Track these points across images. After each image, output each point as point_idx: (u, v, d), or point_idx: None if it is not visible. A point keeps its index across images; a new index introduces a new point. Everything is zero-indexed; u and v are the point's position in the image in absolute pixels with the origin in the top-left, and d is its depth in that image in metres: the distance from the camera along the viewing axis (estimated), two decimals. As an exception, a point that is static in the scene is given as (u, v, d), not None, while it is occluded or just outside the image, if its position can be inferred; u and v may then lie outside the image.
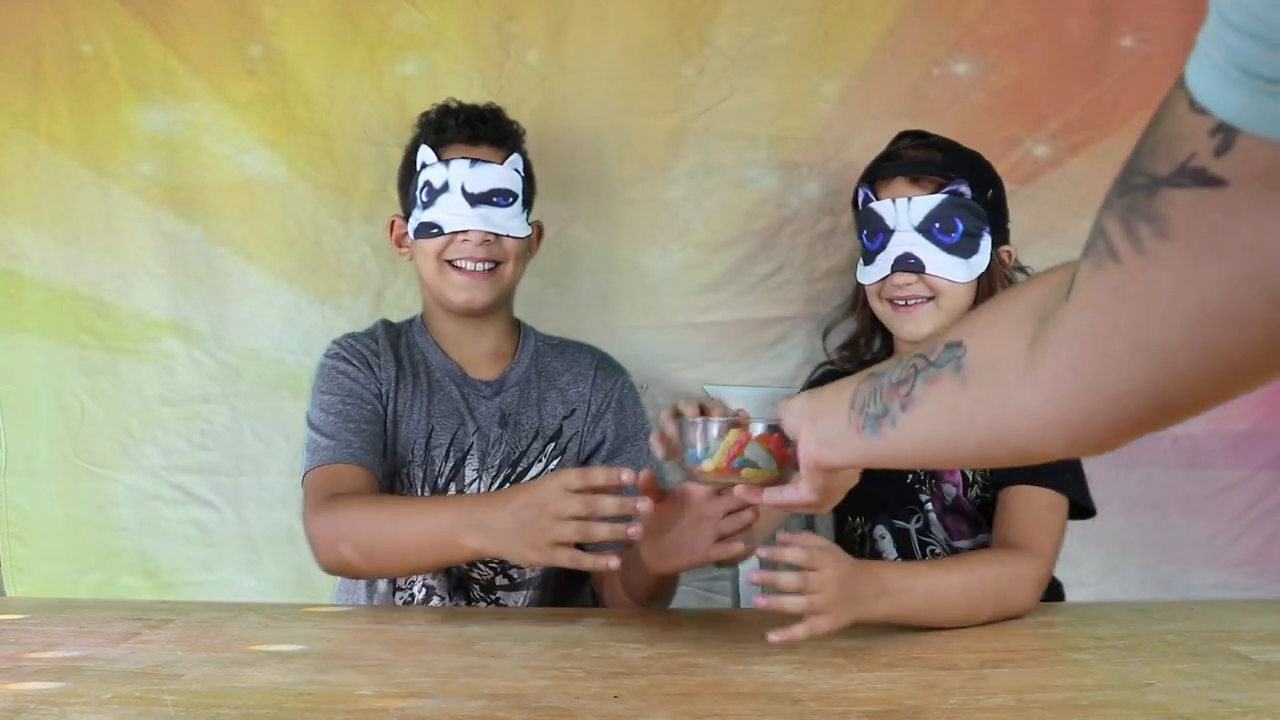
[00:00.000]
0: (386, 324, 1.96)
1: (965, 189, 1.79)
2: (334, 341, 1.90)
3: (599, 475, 1.39)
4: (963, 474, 1.79)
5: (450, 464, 1.86)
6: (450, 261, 1.84)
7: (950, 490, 1.80)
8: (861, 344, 2.01)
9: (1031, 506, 1.64)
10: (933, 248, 1.77)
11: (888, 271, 1.80)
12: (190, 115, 2.23)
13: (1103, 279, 0.70)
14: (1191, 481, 2.20)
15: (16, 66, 2.22)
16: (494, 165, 1.85)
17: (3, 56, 2.22)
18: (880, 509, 1.85)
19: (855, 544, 1.86)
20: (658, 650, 1.33)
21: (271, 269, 2.24)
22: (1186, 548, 2.23)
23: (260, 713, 1.10)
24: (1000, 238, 1.85)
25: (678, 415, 1.38)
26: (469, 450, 1.86)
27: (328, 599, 1.95)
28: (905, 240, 1.78)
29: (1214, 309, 0.63)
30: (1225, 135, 0.58)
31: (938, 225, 1.77)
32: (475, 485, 1.85)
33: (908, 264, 1.78)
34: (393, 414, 1.85)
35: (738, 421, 1.30)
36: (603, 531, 1.38)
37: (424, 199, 1.84)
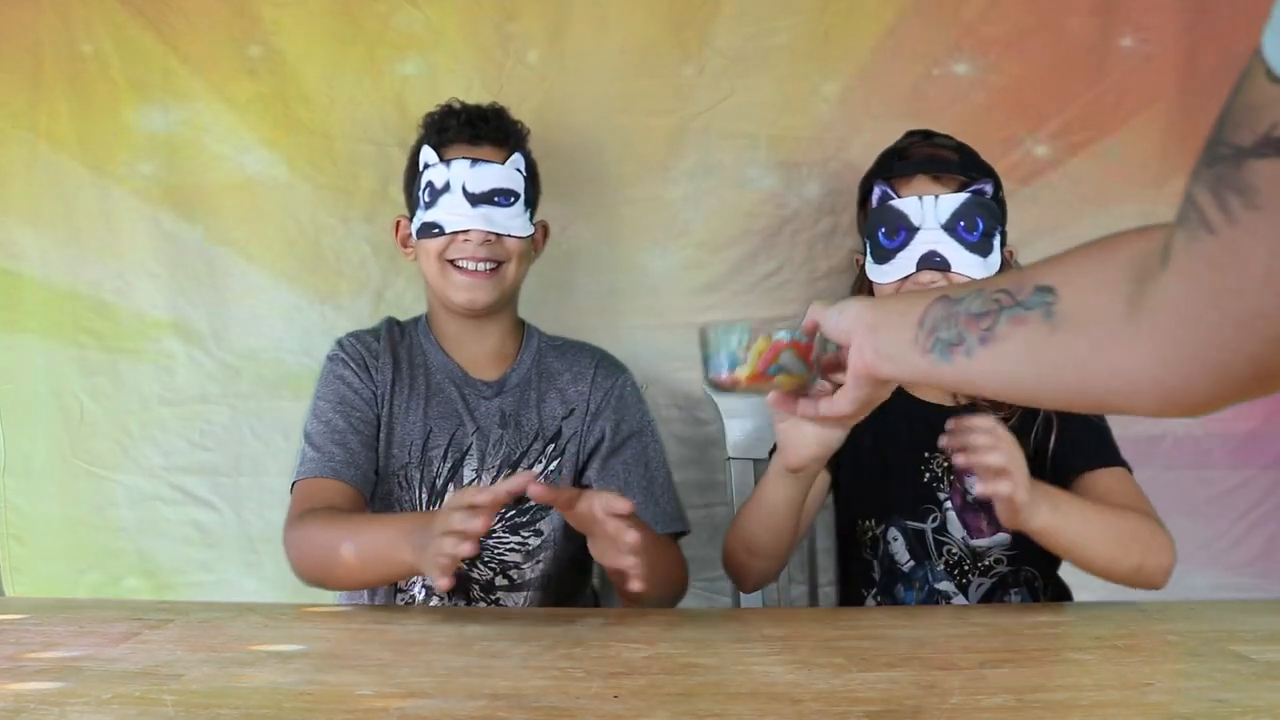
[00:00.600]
0: (392, 323, 1.96)
1: (987, 188, 1.80)
2: (337, 340, 1.91)
3: (482, 495, 1.40)
4: None
5: (448, 465, 1.86)
6: (452, 261, 1.84)
7: (973, 483, 1.78)
8: None
9: (1115, 487, 1.69)
10: (958, 246, 1.76)
11: (912, 269, 1.78)
12: (190, 115, 2.23)
13: (1198, 250, 0.70)
14: (1194, 482, 2.20)
15: (16, 66, 2.22)
16: (495, 165, 1.84)
17: (3, 56, 2.22)
18: (894, 511, 1.83)
19: (867, 546, 1.84)
20: (658, 650, 1.32)
21: (271, 269, 2.24)
22: (1189, 549, 2.21)
23: (260, 713, 1.09)
24: (1004, 238, 1.85)
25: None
26: (468, 451, 1.86)
27: (328, 599, 1.94)
28: (931, 238, 1.77)
29: None
30: None
31: (963, 224, 1.76)
32: (474, 485, 1.85)
33: (934, 262, 1.76)
34: (388, 416, 1.86)
35: (760, 329, 1.29)
36: (447, 544, 1.38)
37: (426, 199, 1.84)
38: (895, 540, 1.82)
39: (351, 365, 1.86)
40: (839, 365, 1.24)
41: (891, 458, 1.83)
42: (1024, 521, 1.48)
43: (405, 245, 1.95)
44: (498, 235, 1.83)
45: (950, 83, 2.23)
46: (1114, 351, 0.83)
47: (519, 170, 1.87)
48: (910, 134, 1.92)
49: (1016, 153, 2.21)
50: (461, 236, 1.82)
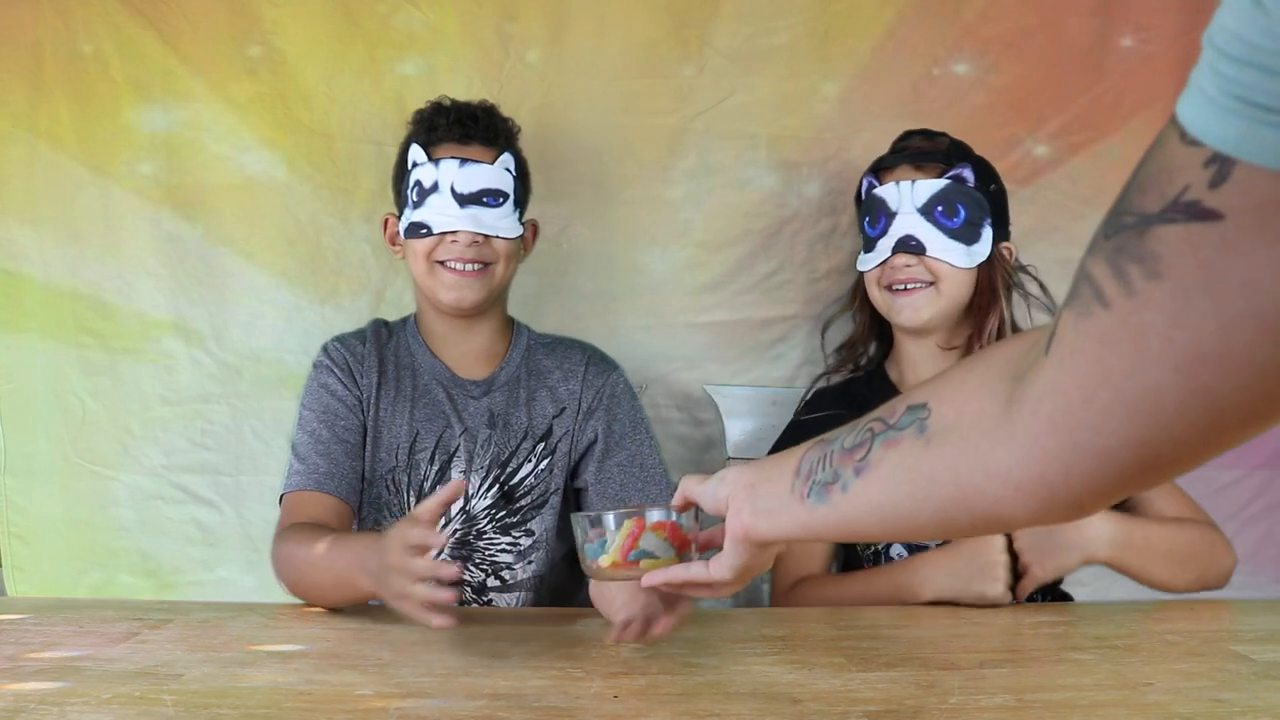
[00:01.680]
0: (379, 325, 1.96)
1: (968, 174, 1.81)
2: (323, 346, 1.91)
3: (412, 536, 1.29)
4: None
5: (435, 467, 1.85)
6: (440, 261, 1.83)
7: None
8: (858, 346, 2.01)
9: (1169, 496, 1.73)
10: (935, 230, 1.79)
11: (888, 254, 1.81)
12: (190, 115, 2.23)
13: (1089, 327, 0.68)
14: (1187, 481, 2.18)
15: (17, 66, 2.22)
16: (484, 165, 1.83)
17: (3, 56, 2.22)
18: None
19: (868, 560, 1.83)
20: (657, 650, 1.32)
21: (271, 269, 2.24)
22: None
23: (260, 713, 1.10)
24: (1001, 234, 1.85)
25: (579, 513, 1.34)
26: (455, 452, 1.86)
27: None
28: (907, 223, 1.79)
29: (1208, 350, 0.61)
30: (1221, 166, 0.57)
31: (940, 209, 1.78)
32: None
33: (909, 245, 1.79)
34: (374, 421, 1.85)
35: (633, 512, 1.25)
36: (419, 591, 1.28)
37: (414, 198, 1.84)
38: (898, 556, 1.79)
39: (336, 372, 1.85)
40: (713, 542, 1.19)
41: None
42: (1088, 557, 1.58)
43: (394, 243, 1.95)
44: (486, 236, 1.82)
45: (950, 83, 2.23)
46: (989, 452, 0.79)
47: (508, 170, 1.86)
48: (909, 133, 1.94)
49: (1016, 153, 2.21)
50: (449, 237, 1.82)
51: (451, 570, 1.29)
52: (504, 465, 1.86)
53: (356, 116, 2.23)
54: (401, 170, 1.90)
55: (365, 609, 1.69)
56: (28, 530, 2.27)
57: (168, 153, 2.23)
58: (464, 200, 1.81)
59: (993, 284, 1.84)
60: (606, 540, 1.24)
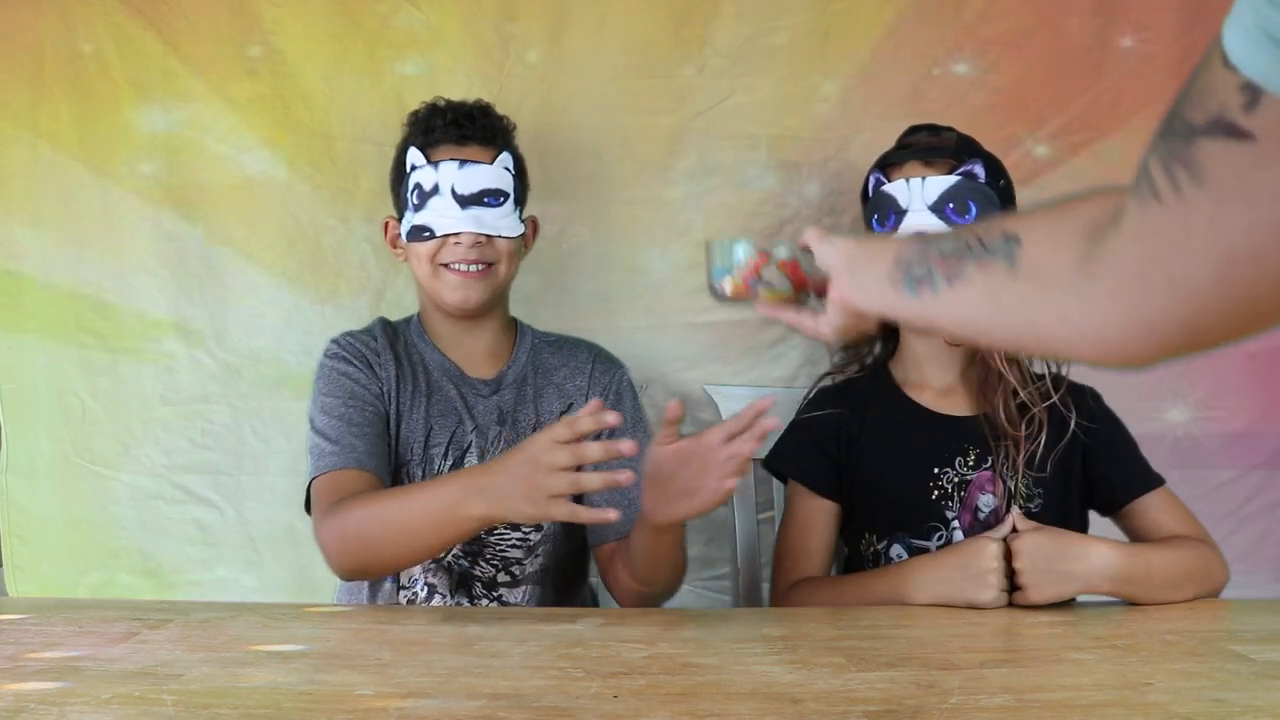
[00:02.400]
0: (385, 322, 1.95)
1: (979, 170, 1.79)
2: (333, 340, 1.89)
3: (585, 423, 1.40)
4: (1005, 486, 1.77)
5: (449, 463, 1.85)
6: (444, 264, 1.84)
7: (988, 502, 1.77)
8: (863, 346, 2.00)
9: (1164, 510, 1.76)
10: (946, 228, 1.75)
11: None
12: (190, 115, 2.23)
13: (1145, 215, 0.76)
14: (1184, 480, 2.18)
15: (17, 66, 2.22)
16: (483, 165, 1.84)
17: (3, 56, 2.22)
18: (898, 527, 1.80)
19: (869, 561, 1.83)
20: (657, 650, 1.32)
21: (272, 269, 2.24)
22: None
23: (260, 713, 1.10)
24: (1005, 200, 1.85)
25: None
26: (468, 449, 1.86)
27: (328, 598, 1.95)
28: (918, 221, 1.76)
29: (1240, 248, 0.70)
30: (1252, 93, 0.64)
31: (951, 206, 1.76)
32: None
33: None
34: (395, 414, 1.85)
35: (761, 245, 1.37)
36: (594, 480, 1.39)
37: (415, 201, 1.84)
38: (899, 557, 1.79)
39: (355, 363, 1.84)
40: (824, 289, 1.31)
41: (900, 469, 1.82)
42: (1089, 588, 1.60)
43: (395, 246, 1.95)
44: (488, 236, 1.83)
45: (950, 83, 2.23)
46: (1063, 302, 0.88)
47: (507, 169, 1.87)
48: (915, 128, 1.93)
49: (1016, 153, 2.21)
50: (452, 239, 1.82)
51: (630, 446, 1.40)
52: None
53: (356, 116, 2.23)
54: (400, 173, 1.89)
55: (364, 609, 1.69)
56: (28, 530, 2.27)
57: (168, 153, 2.23)
58: (465, 201, 1.81)
59: None
60: (732, 266, 1.37)
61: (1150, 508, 1.76)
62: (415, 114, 1.93)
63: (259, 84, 2.23)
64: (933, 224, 1.76)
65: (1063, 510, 1.78)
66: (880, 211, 1.83)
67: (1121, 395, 2.20)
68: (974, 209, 1.76)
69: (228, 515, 2.26)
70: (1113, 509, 1.80)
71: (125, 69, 2.22)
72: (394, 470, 1.84)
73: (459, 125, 1.86)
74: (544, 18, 2.23)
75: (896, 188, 1.80)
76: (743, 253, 1.35)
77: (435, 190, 1.82)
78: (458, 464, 1.85)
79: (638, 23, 2.23)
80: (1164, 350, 0.83)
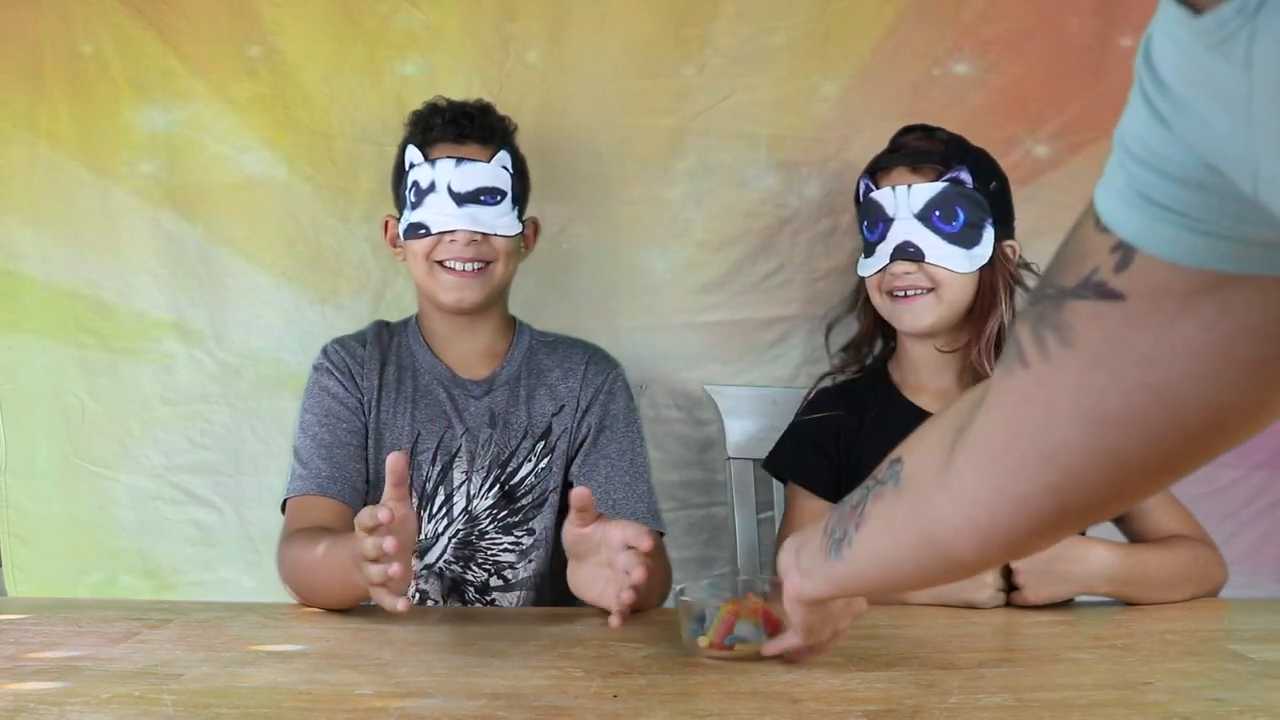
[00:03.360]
0: (381, 326, 1.95)
1: (966, 176, 1.78)
2: (323, 349, 1.90)
3: (363, 518, 1.31)
4: None
5: (438, 468, 1.84)
6: (439, 262, 1.83)
7: None
8: (863, 347, 2.01)
9: (1162, 510, 1.74)
10: (933, 236, 1.76)
11: (886, 260, 1.79)
12: (190, 115, 2.23)
13: (1010, 384, 0.75)
14: (1187, 480, 2.18)
15: (17, 66, 2.22)
16: (480, 163, 1.83)
17: (3, 56, 2.22)
18: None
19: None
20: (657, 649, 1.33)
21: (271, 269, 2.24)
22: (1182, 546, 2.23)
23: (260, 712, 1.10)
24: (1004, 231, 1.84)
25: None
26: (457, 453, 1.85)
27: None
28: (905, 229, 1.77)
29: (1110, 412, 0.68)
30: (1124, 253, 0.63)
31: (938, 213, 1.75)
32: (464, 486, 1.84)
33: (907, 252, 1.77)
34: (375, 423, 1.84)
35: (731, 598, 1.35)
36: (373, 573, 1.30)
37: (412, 199, 1.83)
38: None
39: (336, 374, 1.85)
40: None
41: None
42: (1086, 589, 1.60)
43: (394, 245, 1.94)
44: (484, 235, 1.82)
45: (950, 83, 2.23)
46: (934, 498, 0.86)
47: (505, 168, 1.86)
48: (906, 130, 1.93)
49: (1016, 153, 2.21)
50: (448, 237, 1.81)
51: (392, 544, 1.28)
52: (504, 465, 1.85)
53: (356, 116, 2.23)
54: (400, 172, 1.89)
55: (364, 609, 1.69)
56: (28, 530, 2.27)
57: (168, 153, 2.23)
58: (461, 199, 1.81)
59: (994, 286, 1.81)
60: (706, 623, 1.32)
61: (1148, 509, 1.74)
62: (415, 113, 1.92)
63: (259, 84, 2.23)
64: (919, 232, 1.76)
65: None
66: (869, 218, 1.84)
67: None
68: (961, 215, 1.76)
69: (227, 516, 2.26)
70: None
71: (125, 69, 2.22)
72: (382, 479, 1.75)
73: (457, 124, 1.86)
74: (544, 18, 2.23)
75: (883, 195, 1.80)
76: (712, 614, 1.32)
77: (432, 188, 1.81)
78: (446, 469, 1.84)
79: (638, 23, 2.23)
80: (1039, 529, 0.79)
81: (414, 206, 1.83)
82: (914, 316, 1.81)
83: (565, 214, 2.22)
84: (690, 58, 2.24)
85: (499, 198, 1.84)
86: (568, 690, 1.16)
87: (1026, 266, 1.89)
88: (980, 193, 1.79)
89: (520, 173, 1.90)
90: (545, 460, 1.87)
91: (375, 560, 1.30)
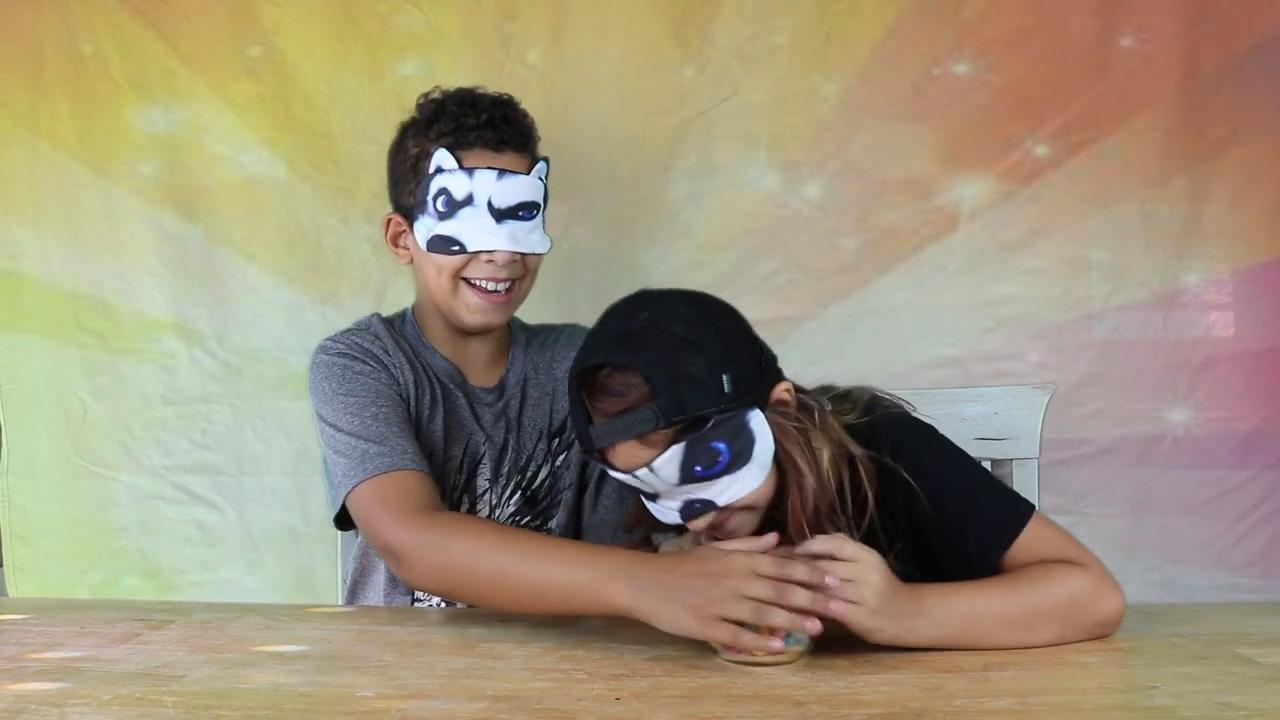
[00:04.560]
0: (383, 321, 1.79)
1: (704, 426, 1.36)
2: (331, 340, 1.72)
3: (799, 571, 1.24)
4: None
5: (464, 476, 1.75)
6: (467, 279, 1.69)
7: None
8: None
9: (1032, 555, 1.39)
10: (710, 484, 1.39)
11: (679, 520, 1.43)
12: (190, 115, 2.23)
13: None
14: (1195, 483, 2.20)
15: (17, 67, 2.23)
16: (521, 176, 1.67)
17: (4, 57, 2.23)
18: None
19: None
20: (660, 652, 1.32)
21: (272, 269, 2.24)
22: (1189, 549, 2.22)
23: (261, 714, 1.09)
24: (759, 397, 1.42)
25: None
26: (480, 460, 1.76)
27: (329, 599, 1.94)
28: (677, 493, 1.40)
29: None
30: None
31: (698, 468, 1.37)
32: (487, 495, 1.77)
33: (695, 510, 1.41)
34: (412, 419, 1.70)
35: None
36: (781, 618, 1.22)
37: (440, 208, 1.65)
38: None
39: (369, 362, 1.67)
40: None
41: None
42: (897, 641, 1.30)
43: (396, 244, 1.77)
44: (521, 254, 1.69)
45: (950, 83, 2.23)
46: None
47: (541, 179, 1.72)
48: (585, 375, 1.41)
49: (1016, 153, 2.21)
50: (484, 256, 1.67)
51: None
52: (524, 470, 1.80)
53: (357, 117, 2.23)
54: (413, 170, 1.70)
55: (366, 610, 1.69)
56: (29, 530, 2.27)
57: (168, 153, 2.24)
58: (501, 215, 1.65)
59: (790, 456, 1.42)
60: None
61: (1015, 559, 1.40)
62: (437, 104, 1.73)
63: (259, 84, 2.23)
64: (694, 491, 1.39)
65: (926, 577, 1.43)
66: (628, 489, 1.47)
67: (1123, 395, 2.21)
68: (724, 451, 1.37)
69: (228, 516, 2.26)
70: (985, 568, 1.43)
71: (125, 69, 2.22)
72: None
73: (495, 128, 1.68)
74: (544, 18, 2.23)
75: (638, 479, 1.40)
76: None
77: (469, 200, 1.64)
78: (471, 478, 1.75)
79: (638, 23, 2.23)
80: None
81: (444, 217, 1.65)
82: (736, 535, 1.42)
83: (566, 214, 2.22)
84: (690, 58, 2.24)
85: (535, 212, 1.70)
86: (570, 693, 1.16)
87: (805, 394, 1.52)
88: (725, 413, 1.37)
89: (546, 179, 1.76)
90: (561, 457, 1.82)
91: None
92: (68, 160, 2.22)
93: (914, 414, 1.54)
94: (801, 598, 1.23)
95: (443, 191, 1.65)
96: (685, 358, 1.35)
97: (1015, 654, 1.30)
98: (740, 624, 1.23)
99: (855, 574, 1.28)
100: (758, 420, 1.39)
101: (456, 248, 1.66)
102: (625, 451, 1.38)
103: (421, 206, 1.68)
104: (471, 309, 1.71)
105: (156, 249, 2.24)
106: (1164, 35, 2.20)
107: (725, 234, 2.25)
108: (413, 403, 1.70)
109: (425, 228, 1.68)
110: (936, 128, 2.21)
